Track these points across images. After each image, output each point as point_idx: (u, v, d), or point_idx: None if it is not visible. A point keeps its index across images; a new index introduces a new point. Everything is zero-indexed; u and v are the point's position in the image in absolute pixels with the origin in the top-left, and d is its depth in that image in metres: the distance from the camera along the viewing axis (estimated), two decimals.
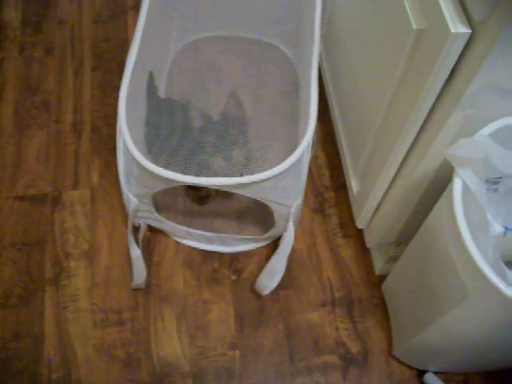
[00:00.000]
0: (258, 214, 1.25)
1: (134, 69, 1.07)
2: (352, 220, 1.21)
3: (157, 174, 0.93)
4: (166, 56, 1.44)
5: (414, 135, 0.82)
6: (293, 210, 1.05)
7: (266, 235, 1.19)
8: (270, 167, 0.92)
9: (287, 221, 1.07)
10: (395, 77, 0.82)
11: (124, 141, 0.98)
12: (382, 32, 0.88)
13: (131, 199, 1.06)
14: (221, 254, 1.24)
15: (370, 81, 0.98)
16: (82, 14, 1.61)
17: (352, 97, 1.13)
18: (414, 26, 0.72)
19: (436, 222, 0.81)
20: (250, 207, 1.27)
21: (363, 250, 1.26)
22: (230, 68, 1.45)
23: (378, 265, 1.23)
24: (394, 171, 0.92)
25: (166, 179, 0.94)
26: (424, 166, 0.83)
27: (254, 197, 0.98)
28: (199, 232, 1.20)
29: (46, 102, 1.45)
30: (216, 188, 0.95)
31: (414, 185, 0.90)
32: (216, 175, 1.07)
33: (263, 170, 0.93)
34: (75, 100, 1.45)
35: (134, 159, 0.95)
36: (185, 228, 1.19)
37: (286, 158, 0.94)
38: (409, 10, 0.74)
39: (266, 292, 1.14)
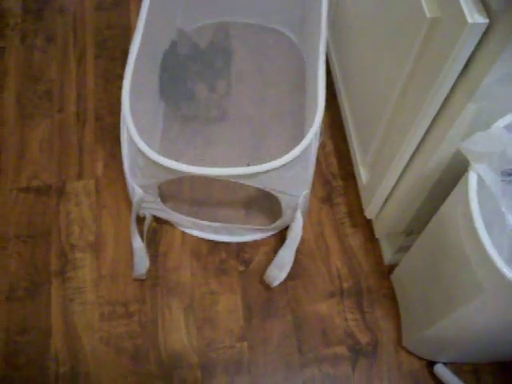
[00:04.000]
0: (265, 204, 1.24)
1: (138, 57, 1.05)
2: (360, 209, 1.19)
3: (163, 165, 0.92)
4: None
5: (426, 127, 0.80)
6: (300, 200, 1.04)
7: (274, 225, 1.17)
8: (277, 156, 0.90)
9: (295, 211, 1.05)
10: (407, 67, 0.80)
11: (128, 131, 0.96)
12: (393, 20, 0.86)
13: (136, 190, 1.04)
14: (228, 245, 1.23)
15: (381, 70, 0.96)
16: (83, 1, 1.58)
17: (361, 85, 1.11)
18: (428, 15, 0.70)
19: (449, 214, 0.80)
20: (257, 196, 1.25)
21: (372, 240, 1.24)
22: (234, 55, 1.42)
23: (387, 254, 1.22)
24: (404, 162, 0.91)
25: (173, 170, 0.93)
26: (436, 158, 0.81)
27: (260, 187, 0.97)
28: (205, 222, 1.19)
29: (49, 91, 1.43)
30: (222, 178, 0.94)
31: (425, 176, 0.88)
32: (199, 104, 1.29)
33: (270, 160, 0.92)
34: (78, 89, 1.43)
35: (139, 150, 0.94)
36: (191, 218, 1.18)
37: (293, 148, 0.92)
38: None
39: (275, 284, 1.13)
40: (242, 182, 0.94)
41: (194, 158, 1.27)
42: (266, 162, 0.91)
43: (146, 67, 1.21)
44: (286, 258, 1.08)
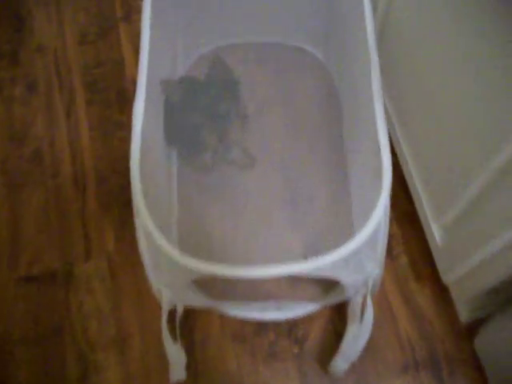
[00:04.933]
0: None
1: (145, 108, 0.84)
2: (424, 257, 1.04)
3: (193, 268, 0.71)
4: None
5: None
6: (370, 282, 0.84)
7: (328, 300, 0.97)
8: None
9: (362, 295, 0.86)
10: None
11: (145, 227, 0.75)
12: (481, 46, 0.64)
13: (164, 292, 0.84)
14: (276, 323, 1.03)
15: (471, 117, 0.75)
16: (64, 35, 1.35)
17: (431, 135, 0.90)
18: None
19: None
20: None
21: (442, 294, 1.05)
22: (252, 81, 1.20)
23: (464, 311, 1.02)
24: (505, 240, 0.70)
25: (212, 272, 0.72)
26: None
27: (319, 277, 0.77)
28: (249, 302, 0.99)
29: (38, 152, 1.20)
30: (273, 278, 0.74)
31: None
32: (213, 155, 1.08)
33: (327, 248, 0.72)
34: (72, 146, 1.21)
35: (162, 251, 0.73)
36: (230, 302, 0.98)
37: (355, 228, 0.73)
38: None
39: (341, 373, 0.93)
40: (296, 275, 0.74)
41: (224, 233, 1.06)
42: (323, 251, 0.71)
43: (153, 116, 0.98)
44: (354, 350, 0.89)
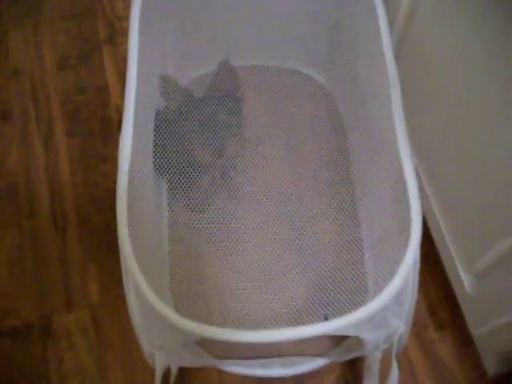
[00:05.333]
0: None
1: (134, 141, 0.73)
2: (444, 303, 0.93)
3: (194, 332, 0.60)
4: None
5: None
6: (395, 342, 0.73)
7: (340, 355, 0.86)
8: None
9: (379, 348, 0.75)
10: None
11: (136, 286, 0.64)
12: None
13: (157, 356, 0.72)
14: (282, 379, 0.91)
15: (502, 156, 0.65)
16: (42, 58, 1.24)
17: (461, 179, 0.80)
18: None
19: None
20: (308, 307, 0.94)
21: (465, 343, 0.94)
22: (248, 109, 1.09)
23: (492, 362, 0.91)
24: None
25: (213, 336, 0.61)
26: None
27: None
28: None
29: (12, 188, 1.08)
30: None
31: None
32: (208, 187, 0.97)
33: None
34: (50, 181, 1.09)
35: (157, 314, 0.62)
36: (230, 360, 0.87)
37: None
38: None
39: None
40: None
41: (223, 281, 0.94)
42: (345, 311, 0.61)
43: (141, 147, 0.87)
44: None
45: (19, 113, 1.17)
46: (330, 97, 1.13)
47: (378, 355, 0.81)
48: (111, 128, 1.09)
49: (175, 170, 0.96)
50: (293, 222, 0.99)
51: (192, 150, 0.94)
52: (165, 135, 0.93)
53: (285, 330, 0.60)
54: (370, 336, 0.71)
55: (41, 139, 1.13)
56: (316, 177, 1.04)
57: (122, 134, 0.71)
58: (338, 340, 0.87)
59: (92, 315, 0.96)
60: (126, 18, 1.20)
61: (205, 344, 0.85)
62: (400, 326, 0.73)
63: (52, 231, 1.04)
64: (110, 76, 1.18)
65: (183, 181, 0.97)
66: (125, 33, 0.80)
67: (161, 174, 0.96)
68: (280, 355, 0.88)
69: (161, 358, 0.72)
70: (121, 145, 0.71)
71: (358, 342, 0.77)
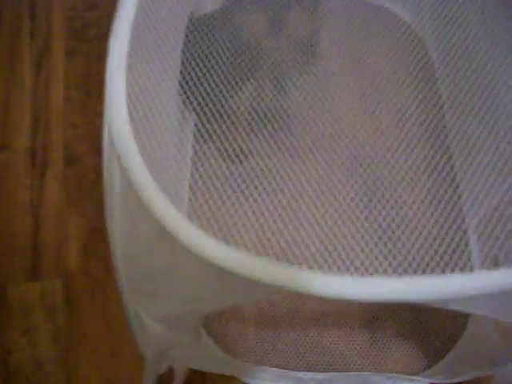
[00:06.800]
0: (408, 318, 0.63)
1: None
2: None
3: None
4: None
5: None
6: None
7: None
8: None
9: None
10: None
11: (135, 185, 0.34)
12: None
13: (150, 328, 0.43)
14: None
15: None
16: None
17: None
18: None
19: None
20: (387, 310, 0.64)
21: None
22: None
23: None
24: None
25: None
26: None
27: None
28: (286, 371, 0.58)
29: None
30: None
31: None
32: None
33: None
34: (35, 106, 0.81)
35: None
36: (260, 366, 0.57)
37: None
38: None
39: None
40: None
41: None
42: None
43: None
44: None
45: (10, 23, 0.90)
46: (417, 36, 0.86)
47: None
48: None
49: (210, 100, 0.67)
50: (368, 187, 0.70)
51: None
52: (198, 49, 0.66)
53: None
54: None
55: (32, 56, 0.86)
56: (400, 133, 0.75)
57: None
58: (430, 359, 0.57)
59: (65, 288, 0.67)
60: None
61: (224, 339, 0.55)
62: None
63: (27, 170, 0.75)
64: None
65: (218, 117, 0.69)
66: None
67: (189, 104, 0.67)
68: (345, 369, 0.58)
69: (154, 333, 0.43)
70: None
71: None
